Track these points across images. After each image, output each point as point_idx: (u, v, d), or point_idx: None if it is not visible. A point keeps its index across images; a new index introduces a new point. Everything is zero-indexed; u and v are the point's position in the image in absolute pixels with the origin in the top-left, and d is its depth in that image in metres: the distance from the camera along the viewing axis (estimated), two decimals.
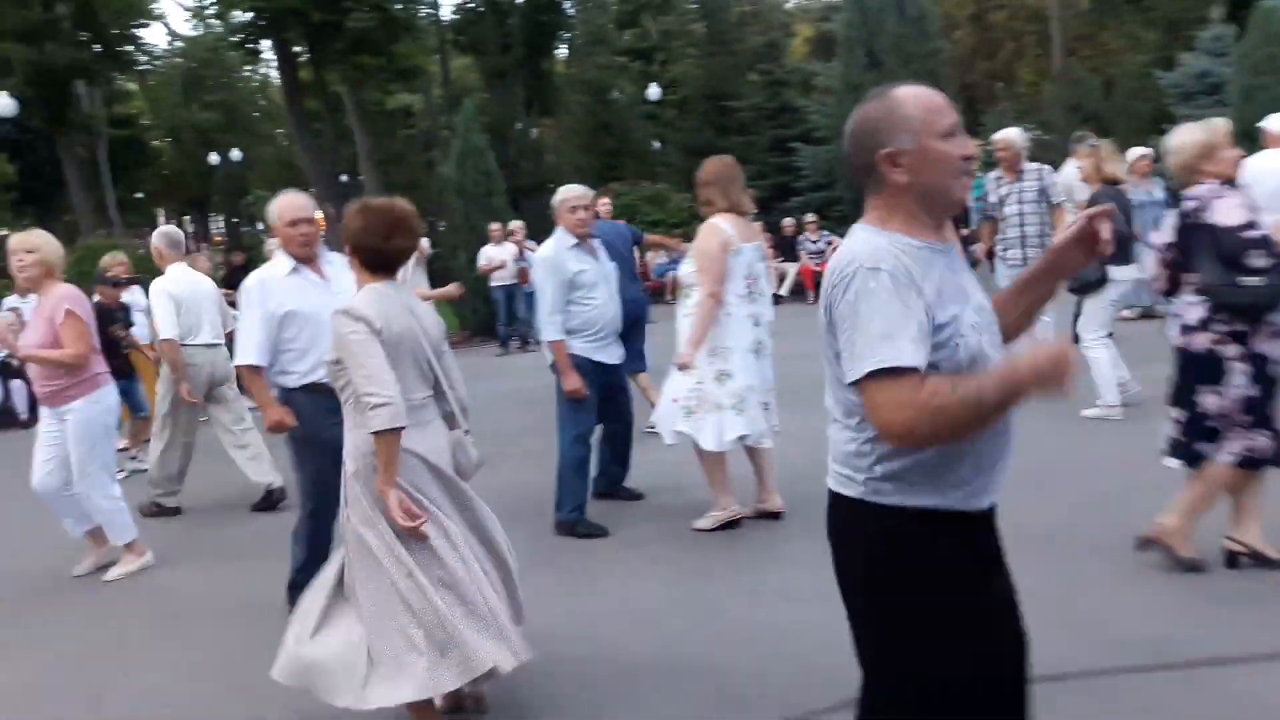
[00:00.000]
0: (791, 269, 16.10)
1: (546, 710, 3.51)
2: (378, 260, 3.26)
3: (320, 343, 3.83)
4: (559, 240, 5.44)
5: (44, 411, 5.29)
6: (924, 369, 1.86)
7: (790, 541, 4.97)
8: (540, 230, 16.60)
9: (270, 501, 6.47)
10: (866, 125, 2.02)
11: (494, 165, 16.05)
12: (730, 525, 5.17)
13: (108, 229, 28.87)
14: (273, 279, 4.39)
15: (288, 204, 4.41)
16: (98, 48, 29.66)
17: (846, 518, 2.07)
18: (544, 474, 5.69)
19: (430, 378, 3.30)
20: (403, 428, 3.01)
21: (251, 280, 4.47)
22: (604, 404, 5.63)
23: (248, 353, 4.32)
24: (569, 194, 5.48)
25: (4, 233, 20.88)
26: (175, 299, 6.39)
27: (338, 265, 4.40)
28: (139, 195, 42.77)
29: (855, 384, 1.91)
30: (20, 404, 10.87)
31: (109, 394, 5.26)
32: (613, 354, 5.58)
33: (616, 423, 5.83)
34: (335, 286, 4.24)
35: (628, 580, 4.69)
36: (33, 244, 5.11)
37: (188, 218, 49.21)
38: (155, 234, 6.91)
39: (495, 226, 13.98)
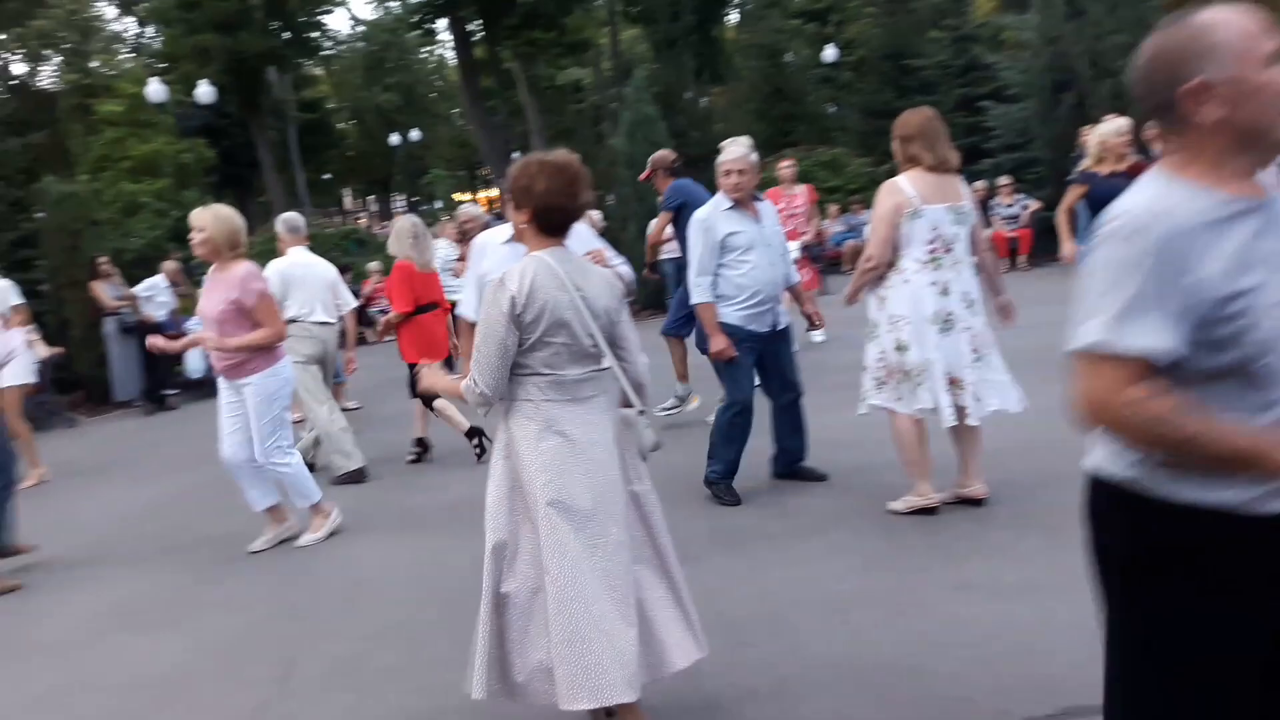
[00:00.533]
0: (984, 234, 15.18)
1: (736, 702, 3.28)
2: (561, 222, 2.96)
3: None
4: (716, 202, 5.34)
5: (222, 383, 5.40)
6: (1160, 358, 1.59)
7: (996, 531, 4.55)
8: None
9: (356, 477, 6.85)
10: (1164, 56, 1.69)
11: (664, 135, 15.80)
12: (926, 512, 4.78)
13: (299, 208, 30.36)
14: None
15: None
16: (287, 35, 31.19)
17: (1109, 502, 1.79)
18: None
19: (591, 353, 2.95)
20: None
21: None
22: (768, 378, 5.48)
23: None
24: (723, 158, 5.30)
25: None
26: (286, 280, 6.72)
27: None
28: (326, 176, 44.98)
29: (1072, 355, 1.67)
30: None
31: (285, 366, 5.42)
32: (767, 322, 5.33)
33: (784, 396, 5.53)
34: None
35: (814, 567, 4.38)
36: (201, 222, 5.23)
37: (371, 197, 51.47)
38: (277, 221, 7.42)
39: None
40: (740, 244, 5.20)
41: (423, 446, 7.26)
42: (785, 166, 10.41)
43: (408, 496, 6.46)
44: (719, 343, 5.18)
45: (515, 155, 32.15)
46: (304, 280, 6.87)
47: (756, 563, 4.51)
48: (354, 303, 7.60)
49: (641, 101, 15.95)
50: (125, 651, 4.43)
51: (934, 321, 4.66)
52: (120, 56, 41.34)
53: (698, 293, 5.25)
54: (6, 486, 5.73)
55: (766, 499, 5.36)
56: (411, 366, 6.91)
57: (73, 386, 12.67)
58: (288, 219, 7.27)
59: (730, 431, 5.35)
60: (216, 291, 5.24)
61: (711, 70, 28.37)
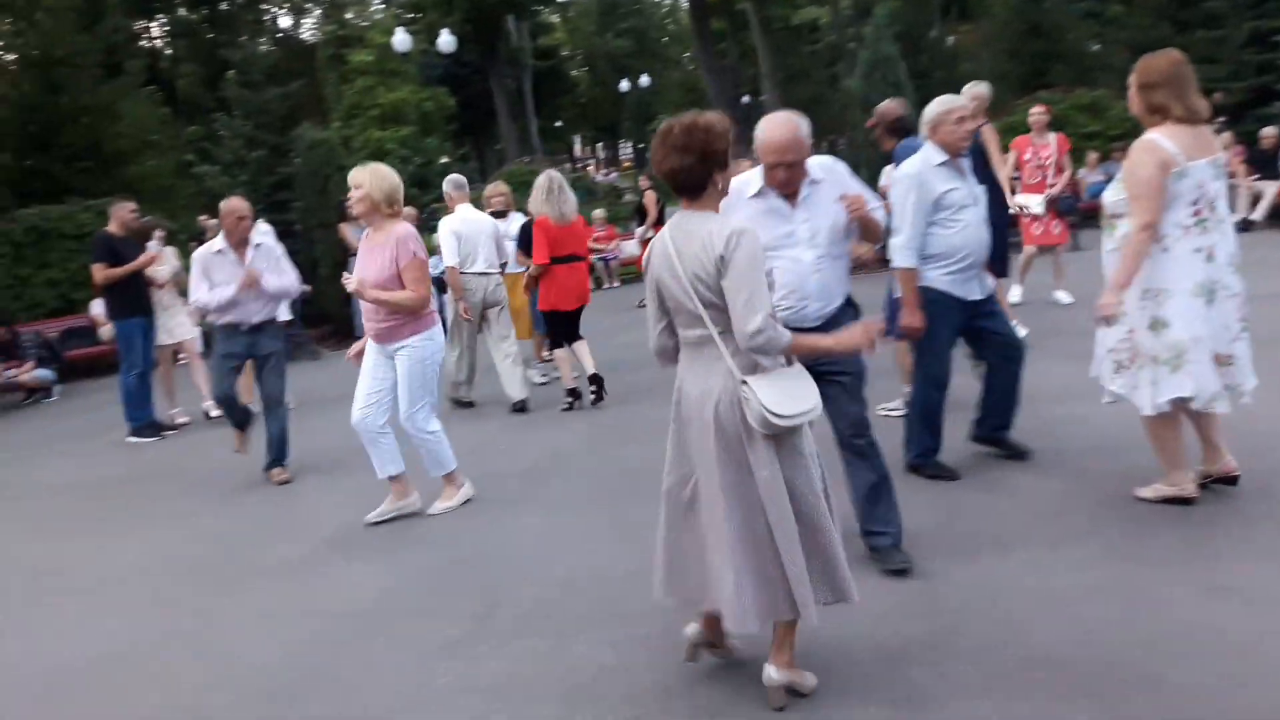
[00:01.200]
0: (1270, 188, 13.42)
1: (945, 694, 2.98)
2: (674, 185, 2.98)
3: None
4: (926, 155, 4.75)
5: (371, 347, 5.34)
6: None
7: (1257, 527, 3.97)
8: None
9: (521, 407, 7.68)
10: None
11: (904, 76, 14.94)
12: (1181, 503, 4.22)
13: (531, 156, 31.23)
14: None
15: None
16: None
17: None
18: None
19: (695, 314, 2.93)
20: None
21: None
22: (983, 339, 4.99)
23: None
24: (954, 103, 4.73)
25: (445, 160, 23.26)
26: (457, 234, 7.65)
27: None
28: (558, 123, 46.09)
29: None
30: None
31: (439, 331, 5.34)
32: (974, 289, 4.81)
33: (1004, 363, 4.98)
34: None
35: (1042, 554, 3.95)
36: (358, 180, 5.13)
37: (600, 144, 52.40)
38: (445, 181, 8.18)
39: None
40: (955, 201, 4.67)
41: (574, 395, 7.62)
42: (1038, 113, 9.50)
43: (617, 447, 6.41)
44: (915, 318, 4.70)
45: (745, 99, 31.68)
46: (470, 235, 7.72)
47: (976, 544, 4.11)
48: (512, 256, 8.24)
49: (881, 40, 15.13)
50: (338, 579, 4.62)
51: (1199, 293, 4.03)
52: (373, 8, 43.79)
53: (903, 256, 4.71)
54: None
55: (996, 476, 4.91)
56: (546, 315, 7.57)
57: (320, 321, 13.59)
58: (454, 179, 8.14)
59: (928, 413, 4.90)
60: (376, 256, 5.14)
61: (960, 6, 26.69)
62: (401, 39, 23.72)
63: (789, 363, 3.01)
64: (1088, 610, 3.42)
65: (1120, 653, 3.11)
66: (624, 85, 38.99)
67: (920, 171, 4.69)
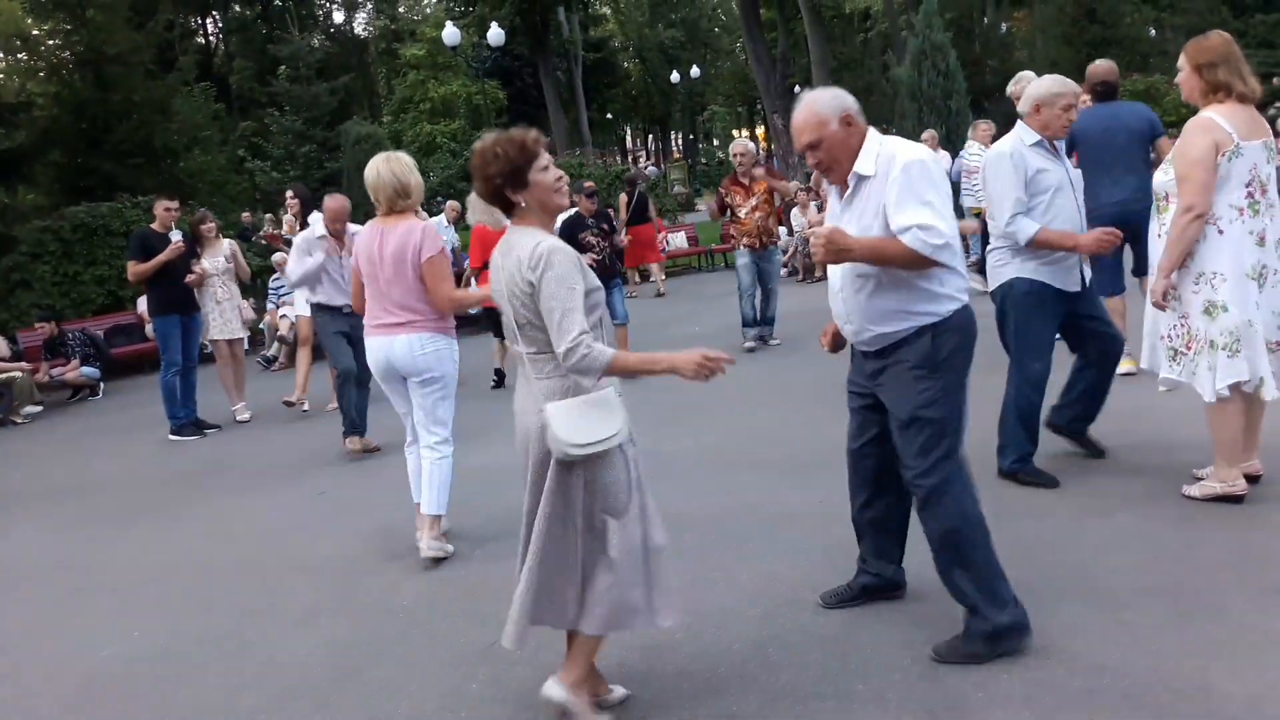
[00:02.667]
0: None
1: (982, 704, 2.87)
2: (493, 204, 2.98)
3: None
4: (1019, 135, 4.54)
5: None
6: None
7: None
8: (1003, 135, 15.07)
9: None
10: None
11: (955, 64, 14.65)
12: (1231, 500, 4.06)
13: (580, 148, 31.24)
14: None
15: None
16: None
17: None
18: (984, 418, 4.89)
19: (513, 331, 2.91)
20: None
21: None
22: (1082, 335, 4.71)
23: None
24: (1064, 88, 4.47)
25: None
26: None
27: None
28: (608, 115, 46.03)
29: None
30: None
31: None
32: (1074, 279, 4.55)
33: (1097, 355, 4.74)
34: None
35: (1090, 553, 3.81)
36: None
37: (650, 135, 52.23)
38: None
39: (984, 124, 12.53)
40: (1050, 184, 4.44)
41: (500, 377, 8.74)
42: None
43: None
44: (1085, 238, 4.39)
45: (796, 89, 31.28)
46: None
47: (1021, 546, 3.96)
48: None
49: (932, 28, 14.85)
50: (379, 577, 4.60)
51: (1253, 276, 3.92)
52: (424, 2, 44.08)
53: (1026, 227, 4.40)
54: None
55: (1044, 470, 4.74)
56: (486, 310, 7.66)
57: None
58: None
59: (1026, 415, 4.63)
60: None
61: None
62: (451, 32, 23.81)
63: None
64: (1134, 613, 3.28)
65: (1170, 660, 2.98)
66: (674, 76, 38.78)
67: (1014, 149, 4.50)
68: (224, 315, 8.70)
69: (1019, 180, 4.42)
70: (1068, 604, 3.41)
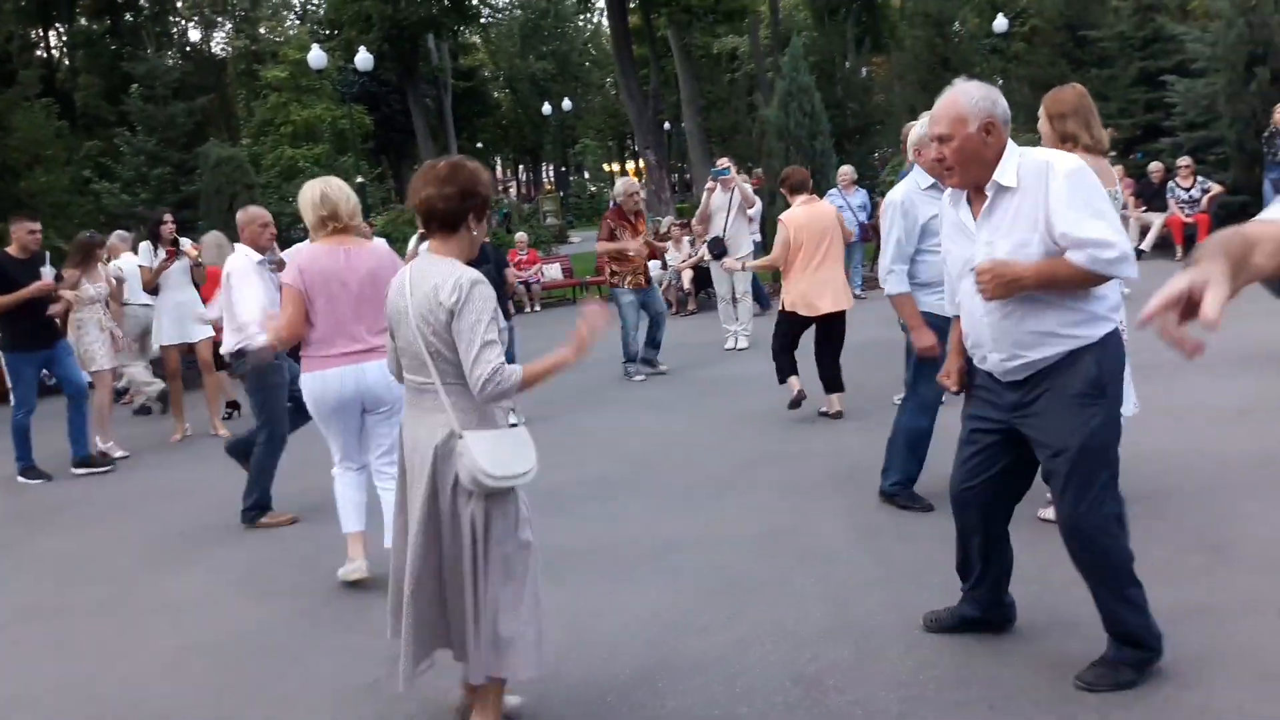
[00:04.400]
0: (1157, 220, 14.01)
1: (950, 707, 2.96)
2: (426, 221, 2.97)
3: None
4: (915, 179, 4.75)
5: None
6: None
7: (1158, 547, 4.01)
8: (863, 175, 15.78)
9: None
10: None
11: (820, 106, 15.23)
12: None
13: None
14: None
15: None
16: (446, 2, 31.70)
17: None
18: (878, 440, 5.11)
19: (420, 359, 2.88)
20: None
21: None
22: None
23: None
24: (929, 129, 4.70)
25: (360, 180, 22.93)
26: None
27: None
28: (479, 144, 45.84)
29: None
30: None
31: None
32: None
33: None
34: None
35: (950, 575, 3.99)
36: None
37: (521, 166, 52.23)
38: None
39: (845, 170, 13.18)
40: (939, 228, 4.65)
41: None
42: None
43: None
44: (924, 338, 4.64)
45: (666, 126, 31.93)
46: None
47: (893, 567, 4.16)
48: None
49: (798, 70, 15.40)
50: (248, 614, 4.44)
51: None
52: (287, 23, 43.09)
53: (893, 283, 4.69)
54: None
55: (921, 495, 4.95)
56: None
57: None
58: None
59: (915, 440, 4.83)
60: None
61: (874, 39, 27.42)
62: (317, 56, 23.35)
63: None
64: (999, 632, 3.44)
65: (1032, 671, 3.14)
66: (546, 108, 38.98)
67: (906, 196, 4.71)
68: (107, 344, 8.03)
69: (905, 228, 4.67)
70: (1042, 617, 3.52)
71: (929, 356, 4.61)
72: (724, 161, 9.77)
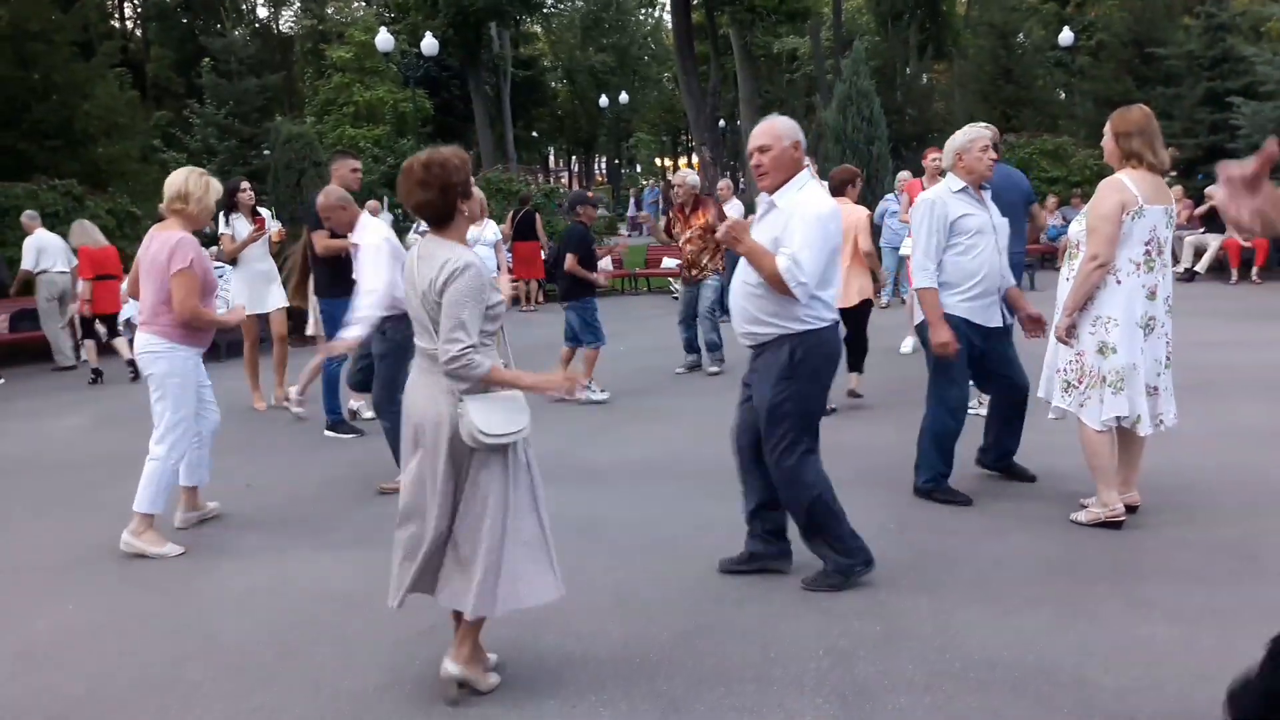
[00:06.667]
0: (1214, 242, 13.95)
1: (889, 691, 3.17)
2: (423, 217, 3.22)
3: None
4: (947, 183, 5.04)
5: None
6: None
7: (1184, 553, 4.26)
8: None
9: None
10: None
11: (879, 111, 15.32)
12: (1110, 525, 4.51)
13: (506, 163, 31.36)
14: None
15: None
16: None
17: None
18: (908, 437, 5.30)
19: (427, 329, 3.15)
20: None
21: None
22: (989, 375, 5.18)
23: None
24: (981, 133, 5.01)
25: None
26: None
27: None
28: (534, 134, 46.18)
29: None
30: None
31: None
32: (994, 315, 5.02)
33: (1007, 394, 5.23)
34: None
35: (985, 567, 4.19)
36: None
37: (575, 157, 52.50)
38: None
39: (904, 175, 13.23)
40: (970, 227, 4.91)
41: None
42: (931, 159, 9.90)
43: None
44: (942, 334, 4.86)
45: (722, 123, 32.03)
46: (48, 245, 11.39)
47: (924, 558, 4.35)
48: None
49: (859, 75, 15.49)
50: (312, 563, 4.73)
51: (1141, 325, 4.41)
52: (354, 4, 43.71)
53: (922, 277, 4.95)
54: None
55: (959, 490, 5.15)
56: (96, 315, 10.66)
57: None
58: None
59: (942, 440, 5.05)
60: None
61: (937, 46, 27.34)
62: (384, 38, 23.77)
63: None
64: (1023, 619, 3.65)
65: (1054, 658, 3.33)
66: (603, 100, 39.21)
67: (938, 195, 4.99)
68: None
69: (935, 226, 4.91)
70: (964, 608, 3.77)
71: (943, 355, 4.86)
72: None
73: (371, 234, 5.83)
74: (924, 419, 5.12)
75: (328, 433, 7.31)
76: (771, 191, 3.91)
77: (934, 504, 5.02)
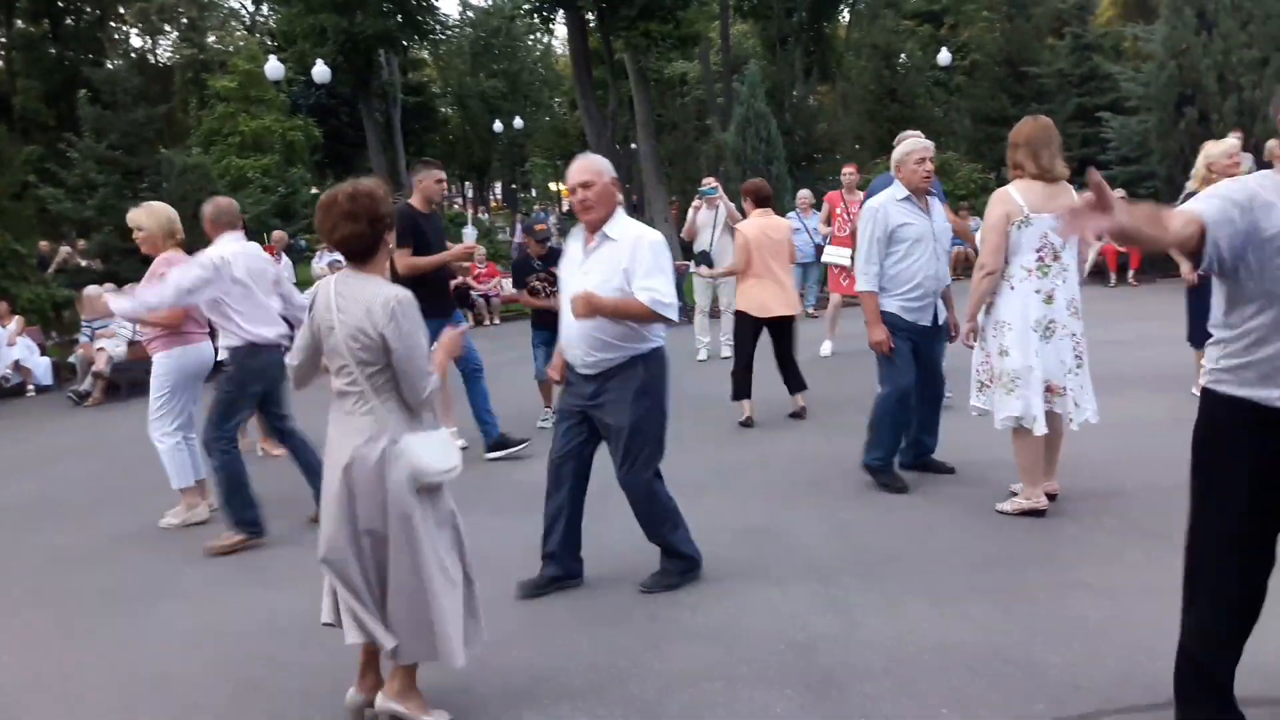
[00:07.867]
0: (1093, 248, 14.75)
1: (853, 679, 3.31)
2: (342, 251, 3.14)
3: None
4: (892, 192, 5.37)
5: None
6: None
7: (1103, 536, 4.56)
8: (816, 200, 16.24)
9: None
10: None
11: (775, 132, 15.76)
12: (1034, 514, 4.80)
13: (398, 191, 30.99)
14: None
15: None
16: (399, 18, 31.85)
17: None
18: (837, 446, 5.50)
19: (350, 371, 3.08)
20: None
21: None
22: (917, 371, 5.47)
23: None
24: (915, 146, 5.32)
25: (315, 191, 22.91)
26: None
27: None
28: (426, 160, 45.73)
29: None
30: None
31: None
32: (926, 316, 5.38)
33: (929, 390, 5.57)
34: None
35: (926, 562, 4.39)
36: (138, 222, 5.64)
37: (468, 183, 52.19)
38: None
39: (804, 194, 13.37)
40: (909, 236, 5.24)
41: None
42: (849, 172, 10.53)
43: None
44: (878, 333, 5.25)
45: (617, 147, 32.27)
46: None
47: (870, 555, 4.53)
48: None
49: (755, 98, 15.92)
50: (254, 598, 4.65)
51: (1036, 328, 4.68)
52: (236, 33, 42.74)
53: (863, 280, 5.31)
54: None
55: (879, 495, 5.38)
56: None
57: None
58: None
59: (892, 418, 5.38)
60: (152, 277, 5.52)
61: (821, 68, 28.17)
62: (274, 67, 23.35)
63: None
64: (969, 606, 3.85)
65: (1002, 639, 3.54)
66: (497, 126, 39.16)
67: (883, 205, 5.29)
68: None
69: (876, 234, 5.24)
70: (912, 599, 3.96)
71: (879, 351, 5.28)
72: (710, 181, 9.97)
73: (212, 251, 5.35)
74: (875, 401, 5.44)
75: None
76: (598, 225, 4.06)
77: (871, 505, 5.21)
